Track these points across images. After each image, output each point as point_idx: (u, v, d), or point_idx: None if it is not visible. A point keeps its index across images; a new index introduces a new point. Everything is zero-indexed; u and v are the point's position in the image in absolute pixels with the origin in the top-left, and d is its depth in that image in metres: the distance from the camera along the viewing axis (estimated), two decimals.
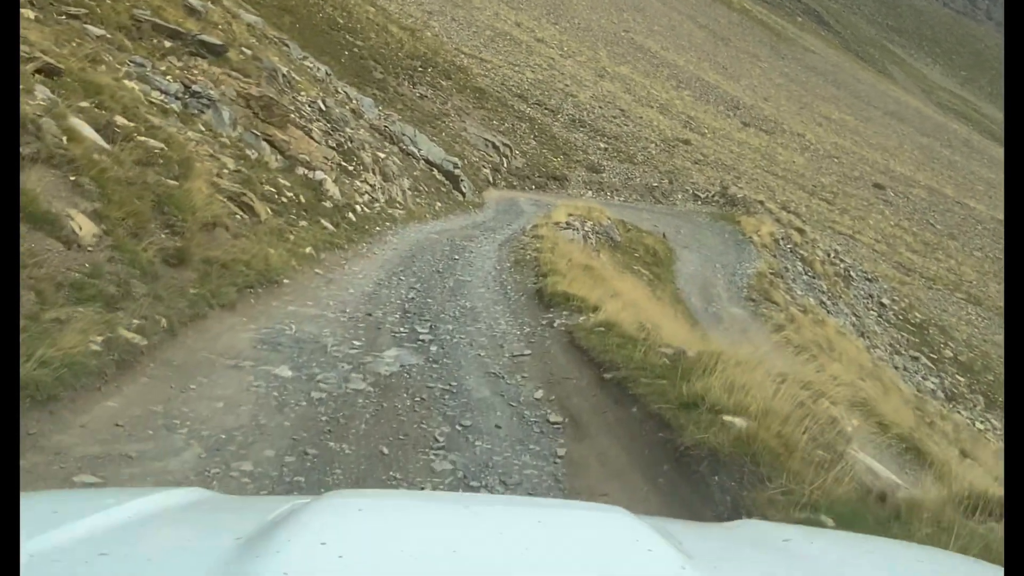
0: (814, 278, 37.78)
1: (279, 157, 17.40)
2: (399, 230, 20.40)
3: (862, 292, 42.17)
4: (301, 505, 1.98)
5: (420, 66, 46.84)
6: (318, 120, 21.63)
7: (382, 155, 25.62)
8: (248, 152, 15.84)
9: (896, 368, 34.14)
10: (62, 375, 5.44)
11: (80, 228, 7.18)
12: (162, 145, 10.71)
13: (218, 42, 17.88)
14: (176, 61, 16.45)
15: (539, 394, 7.54)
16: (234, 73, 17.64)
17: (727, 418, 5.61)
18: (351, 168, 21.33)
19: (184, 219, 9.30)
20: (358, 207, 19.24)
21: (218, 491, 3.48)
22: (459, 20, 61.97)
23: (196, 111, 15.42)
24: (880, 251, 53.46)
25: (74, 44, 13.29)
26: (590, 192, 44.21)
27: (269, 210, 13.87)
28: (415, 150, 32.26)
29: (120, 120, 10.56)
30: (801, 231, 43.68)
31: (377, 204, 21.39)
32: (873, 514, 4.70)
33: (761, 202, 46.93)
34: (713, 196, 47.40)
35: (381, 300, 11.55)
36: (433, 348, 9.06)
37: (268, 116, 17.48)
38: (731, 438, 5.32)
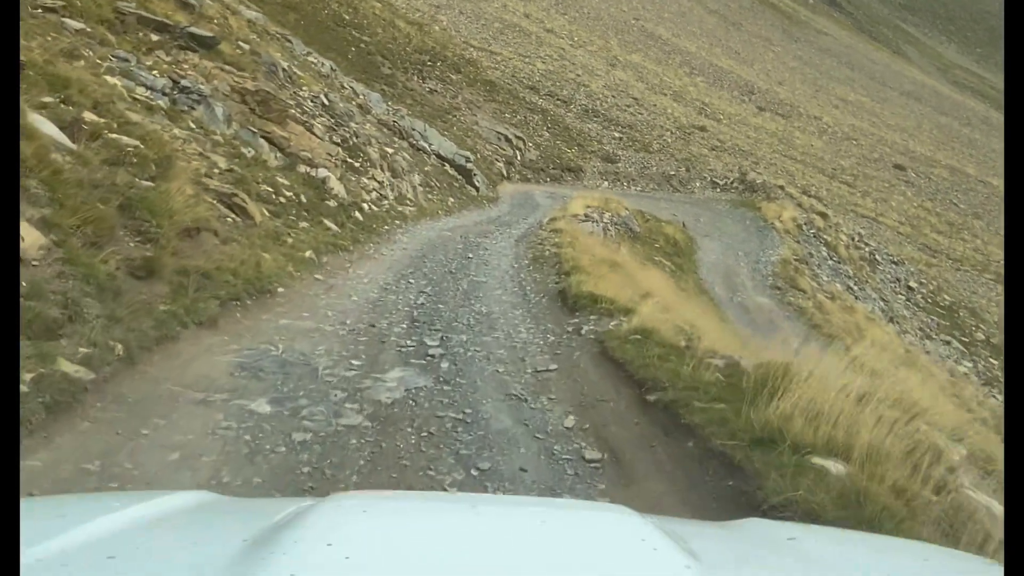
0: (839, 263, 37.08)
1: (279, 155, 16.31)
2: (409, 228, 19.29)
3: (889, 276, 41.36)
4: (307, 507, 1.98)
5: (429, 60, 46.31)
6: (321, 115, 20.52)
7: (390, 151, 24.47)
8: (244, 150, 14.73)
9: (928, 353, 33.02)
10: None
11: (22, 239, 6.06)
12: (137, 143, 9.58)
13: (209, 34, 16.76)
14: (164, 55, 15.36)
15: (570, 422, 6.28)
16: (228, 67, 16.54)
17: (818, 461, 4.39)
18: (357, 165, 20.23)
19: (159, 224, 8.18)
20: (365, 205, 18.14)
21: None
22: (467, 13, 61.32)
23: (186, 107, 14.32)
24: (905, 233, 52.51)
25: (48, 38, 12.21)
26: (606, 183, 43.59)
27: (265, 211, 12.78)
28: (425, 145, 31.27)
29: (89, 116, 9.47)
30: (824, 215, 42.98)
31: (386, 202, 20.27)
32: None
33: (781, 187, 46.29)
34: (732, 183, 46.90)
35: (387, 308, 10.39)
36: (444, 365, 7.87)
37: (266, 112, 16.38)
38: (833, 494, 4.08)
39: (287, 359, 7.23)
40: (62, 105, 9.33)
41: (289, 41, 30.71)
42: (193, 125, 13.91)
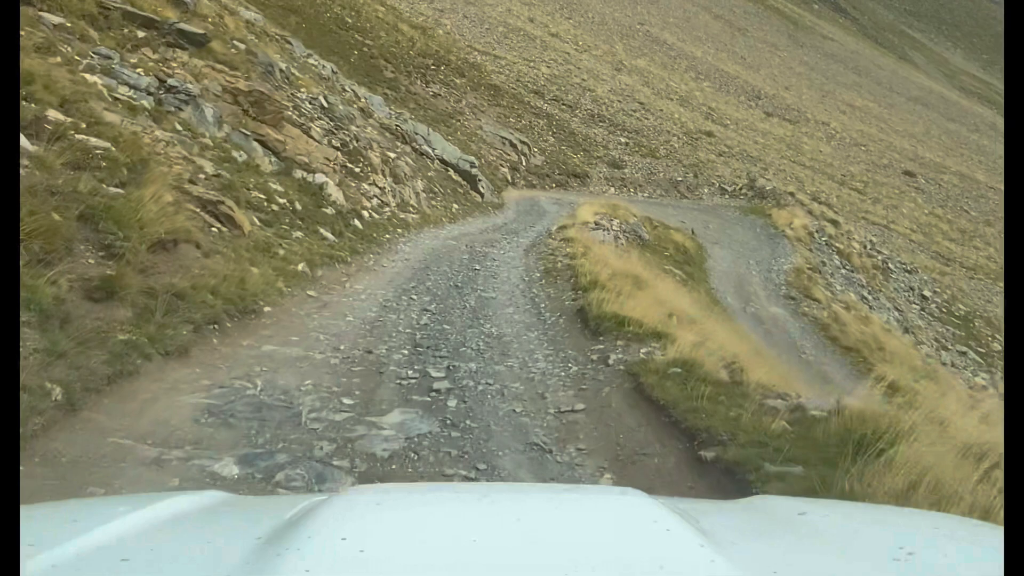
0: (852, 271, 36.49)
1: (273, 159, 15.31)
2: (412, 237, 18.24)
3: (902, 285, 40.64)
4: (319, 502, 1.97)
5: (432, 64, 45.57)
6: (320, 118, 19.47)
7: (392, 155, 23.43)
8: (235, 154, 13.73)
9: (944, 364, 32.22)
10: None
11: None
12: (108, 145, 8.55)
13: (199, 31, 15.72)
14: (151, 53, 14.34)
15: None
16: (219, 66, 15.52)
17: None
18: (357, 170, 19.20)
19: (126, 236, 7.13)
20: (365, 213, 17.12)
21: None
22: (471, 17, 60.63)
23: (173, 108, 13.32)
24: (917, 241, 51.69)
25: (21, 33, 11.22)
26: (612, 189, 42.94)
27: (256, 220, 11.79)
28: (429, 150, 30.34)
29: (54, 115, 8.44)
30: (835, 222, 42.47)
31: (387, 209, 19.23)
32: None
33: (791, 193, 45.58)
34: (741, 189, 46.16)
35: (386, 329, 9.31)
36: (451, 403, 6.77)
37: (260, 113, 15.36)
38: None
39: (265, 400, 6.14)
40: (23, 102, 8.31)
41: (289, 43, 29.96)
42: (180, 127, 12.92)
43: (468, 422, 6.35)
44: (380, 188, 19.91)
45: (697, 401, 5.99)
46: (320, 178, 15.85)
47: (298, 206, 13.70)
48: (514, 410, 6.80)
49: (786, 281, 29.38)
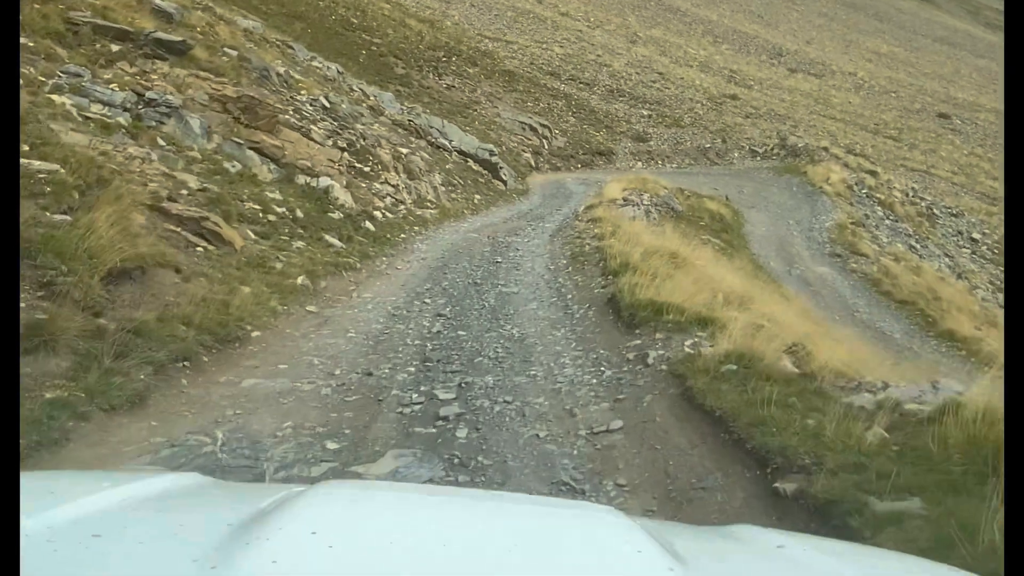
0: (897, 221, 35.60)
1: (272, 166, 14.27)
2: (430, 233, 17.17)
3: (950, 229, 39.69)
4: (295, 494, 1.95)
5: (443, 56, 44.95)
6: (322, 119, 18.38)
7: (405, 151, 22.30)
8: (227, 165, 12.71)
9: (1001, 307, 30.94)
10: None
11: None
12: (56, 167, 7.51)
13: (177, 39, 14.65)
14: (127, 67, 13.33)
15: None
16: (204, 74, 14.46)
17: None
18: (367, 169, 18.14)
19: (70, 270, 6.08)
20: (377, 213, 16.05)
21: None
22: (478, 5, 59.85)
23: (154, 122, 12.32)
24: (959, 183, 50.19)
25: None
26: (639, 163, 42.11)
27: (250, 233, 10.76)
28: (446, 142, 29.35)
29: None
30: (873, 173, 41.51)
31: (402, 207, 18.14)
32: None
33: (825, 148, 44.60)
34: (772, 149, 45.45)
35: (392, 343, 8.18)
36: (461, 433, 5.59)
37: (252, 119, 14.30)
38: None
39: (224, 459, 4.97)
40: None
41: (291, 47, 29.14)
42: (162, 141, 11.93)
43: (480, 459, 5.21)
44: (393, 186, 18.84)
45: (762, 409, 4.73)
46: (325, 181, 14.81)
47: (299, 213, 12.63)
48: (537, 435, 5.63)
49: (829, 239, 28.67)
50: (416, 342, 8.27)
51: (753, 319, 7.27)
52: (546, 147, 40.27)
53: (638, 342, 7.55)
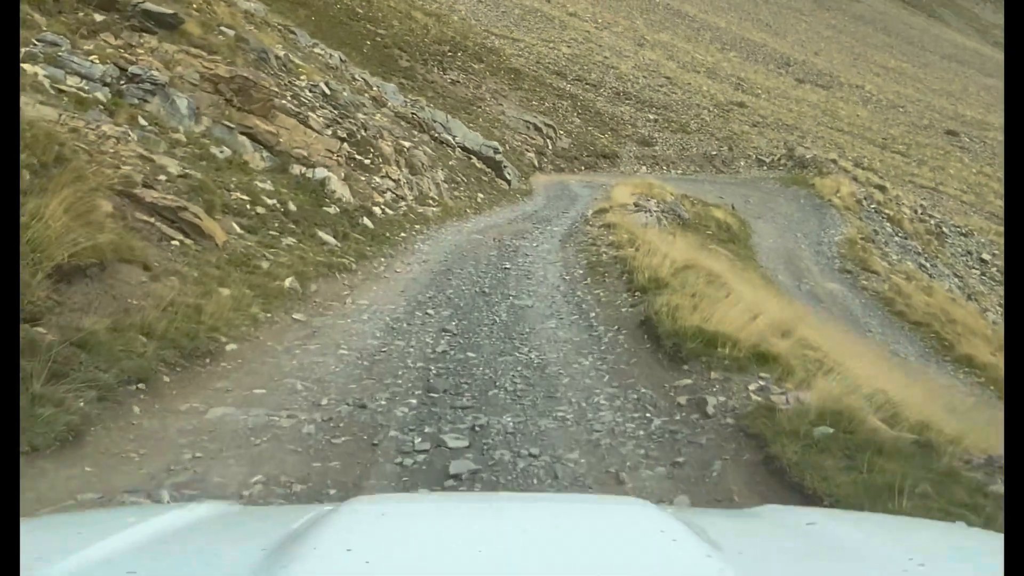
0: (906, 239, 35.08)
1: (265, 154, 13.27)
2: (432, 232, 16.15)
3: (959, 249, 38.97)
4: (324, 513, 1.94)
5: (449, 51, 44.42)
6: (322, 107, 17.34)
7: (408, 144, 21.25)
8: (215, 150, 11.69)
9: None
10: None
11: None
12: None
13: (167, 11, 13.57)
14: (112, 38, 12.31)
15: None
16: (195, 50, 13.41)
17: None
18: (367, 162, 17.13)
19: None
20: (377, 209, 15.03)
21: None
22: (486, 1, 59.26)
23: (136, 99, 11.32)
24: (968, 202, 49.46)
25: None
26: (644, 168, 41.54)
27: (236, 227, 9.75)
28: (449, 137, 28.48)
29: None
30: (882, 188, 40.97)
31: (403, 203, 17.10)
32: None
33: (833, 160, 43.97)
34: (779, 159, 44.71)
35: (390, 365, 7.08)
36: None
37: (246, 102, 13.28)
38: None
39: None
40: None
41: (293, 32, 28.33)
42: (144, 121, 10.92)
43: None
44: (394, 180, 17.82)
45: (890, 501, 3.59)
46: (321, 173, 13.79)
47: (292, 206, 11.59)
48: None
49: (839, 253, 27.95)
50: (418, 364, 7.18)
51: (807, 352, 6.24)
52: (550, 147, 39.64)
53: (688, 382, 6.32)
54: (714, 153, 45.00)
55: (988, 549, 2.01)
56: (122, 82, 11.41)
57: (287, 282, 8.90)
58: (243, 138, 12.98)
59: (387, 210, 15.55)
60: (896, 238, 33.81)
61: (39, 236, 5.42)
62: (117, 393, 5.17)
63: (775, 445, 4.66)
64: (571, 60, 52.31)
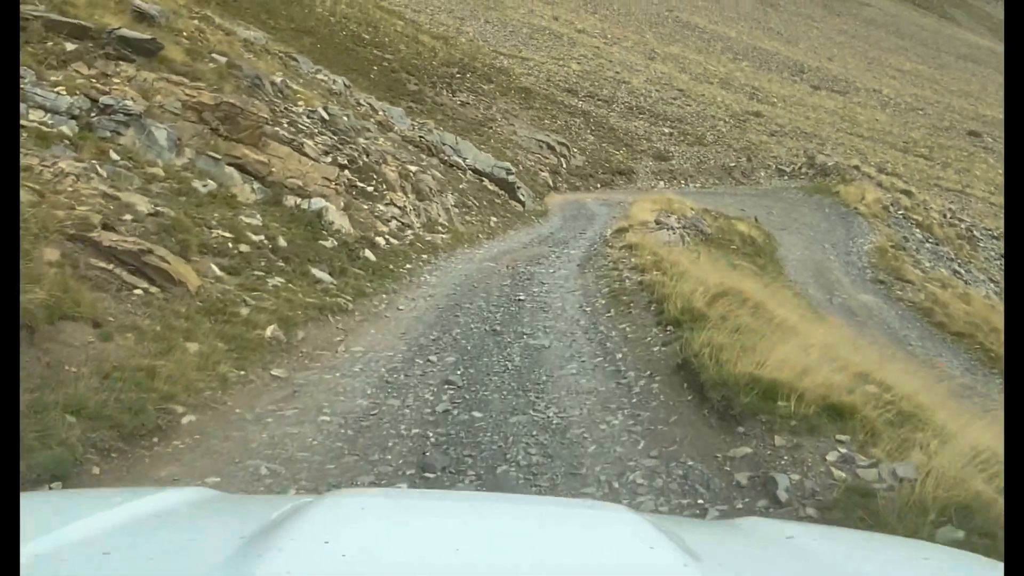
0: (937, 244, 33.97)
1: (256, 185, 12.24)
2: (441, 262, 15.04)
3: (992, 253, 37.88)
4: (304, 504, 1.92)
5: (458, 73, 43.83)
6: (320, 133, 16.30)
7: (414, 168, 20.21)
8: (197, 183, 10.64)
9: None
10: None
11: None
12: None
13: (145, 36, 12.56)
14: (84, 68, 11.31)
15: None
16: (177, 77, 12.41)
17: None
18: (370, 189, 16.08)
19: None
20: (380, 239, 13.94)
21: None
22: (493, 22, 58.77)
23: (108, 132, 10.31)
24: (997, 203, 48.15)
25: None
26: (661, 182, 40.76)
27: (214, 268, 8.66)
28: (459, 160, 27.48)
29: None
30: (908, 193, 39.90)
31: (409, 231, 16.01)
32: None
33: (856, 167, 42.86)
34: (800, 168, 43.61)
35: (380, 433, 5.93)
36: None
37: (233, 130, 12.25)
38: None
39: None
40: None
41: (295, 59, 27.80)
42: (116, 155, 9.88)
43: None
44: (400, 207, 16.76)
45: None
46: (318, 203, 12.73)
47: (281, 242, 10.48)
48: None
49: (870, 263, 26.87)
50: (413, 431, 6.03)
51: (875, 389, 5.08)
52: (564, 166, 38.79)
53: (747, 450, 4.94)
54: (732, 164, 44.13)
55: (971, 571, 2.00)
56: (92, 114, 10.41)
57: (268, 331, 7.78)
58: (231, 169, 11.95)
59: (391, 240, 14.48)
60: (927, 244, 32.73)
61: None
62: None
63: None
64: (582, 77, 51.56)
